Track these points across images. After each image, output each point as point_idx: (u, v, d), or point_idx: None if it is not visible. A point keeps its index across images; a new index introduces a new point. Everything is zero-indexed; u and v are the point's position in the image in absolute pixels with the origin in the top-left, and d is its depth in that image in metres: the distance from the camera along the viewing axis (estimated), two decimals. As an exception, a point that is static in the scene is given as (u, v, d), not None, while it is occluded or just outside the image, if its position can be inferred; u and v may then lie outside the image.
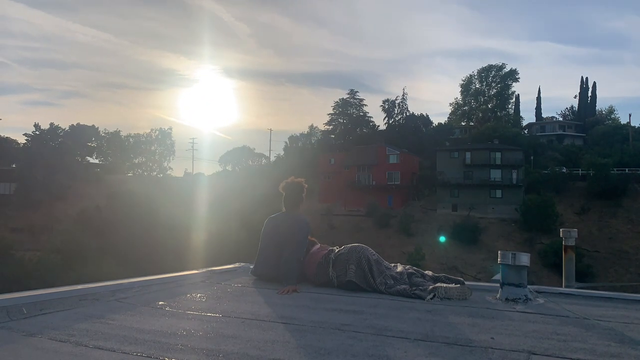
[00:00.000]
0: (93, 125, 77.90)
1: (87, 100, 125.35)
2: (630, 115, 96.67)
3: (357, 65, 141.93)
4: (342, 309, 2.91)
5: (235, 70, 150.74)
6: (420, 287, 3.39)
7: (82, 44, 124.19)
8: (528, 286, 3.27)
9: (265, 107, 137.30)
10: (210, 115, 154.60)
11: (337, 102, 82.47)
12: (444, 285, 3.36)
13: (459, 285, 3.41)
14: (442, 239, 45.33)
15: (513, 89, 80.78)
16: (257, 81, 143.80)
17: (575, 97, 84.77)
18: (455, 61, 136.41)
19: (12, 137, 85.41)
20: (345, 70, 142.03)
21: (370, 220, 55.24)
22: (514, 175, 57.36)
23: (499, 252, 3.30)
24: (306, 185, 3.99)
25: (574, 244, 6.41)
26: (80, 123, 76.86)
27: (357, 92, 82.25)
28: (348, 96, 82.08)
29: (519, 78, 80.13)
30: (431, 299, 3.22)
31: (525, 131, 79.92)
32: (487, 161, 58.24)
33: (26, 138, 73.56)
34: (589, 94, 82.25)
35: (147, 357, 1.90)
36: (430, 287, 3.35)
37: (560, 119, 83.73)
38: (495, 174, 57.44)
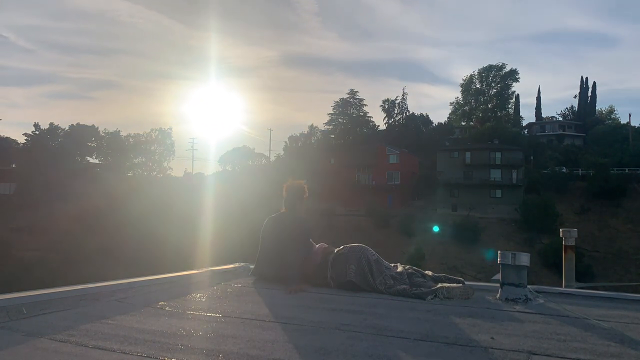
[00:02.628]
0: (93, 125, 77.97)
1: (116, 92, 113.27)
2: (630, 115, 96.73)
3: (431, 52, 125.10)
4: (342, 309, 2.91)
5: (285, 57, 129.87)
6: (422, 287, 3.39)
7: (128, 26, 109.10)
8: (528, 286, 3.26)
9: (306, 100, 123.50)
10: (240, 110, 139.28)
11: (337, 102, 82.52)
12: (447, 285, 3.36)
13: (461, 284, 3.41)
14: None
15: (513, 89, 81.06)
16: (306, 70, 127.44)
17: (575, 97, 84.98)
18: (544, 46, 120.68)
19: (13, 136, 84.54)
20: (414, 58, 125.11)
21: (370, 220, 55.18)
22: (514, 175, 57.35)
23: (499, 252, 3.29)
24: (307, 187, 4.02)
25: (574, 244, 6.42)
26: (80, 123, 76.98)
27: (357, 92, 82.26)
28: (348, 96, 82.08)
29: (519, 78, 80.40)
30: (432, 299, 3.22)
31: (525, 131, 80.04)
32: (487, 161, 58.23)
33: (26, 138, 73.75)
34: (589, 93, 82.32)
35: (147, 357, 1.90)
36: (433, 287, 3.35)
37: (560, 118, 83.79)
38: (495, 174, 57.44)
